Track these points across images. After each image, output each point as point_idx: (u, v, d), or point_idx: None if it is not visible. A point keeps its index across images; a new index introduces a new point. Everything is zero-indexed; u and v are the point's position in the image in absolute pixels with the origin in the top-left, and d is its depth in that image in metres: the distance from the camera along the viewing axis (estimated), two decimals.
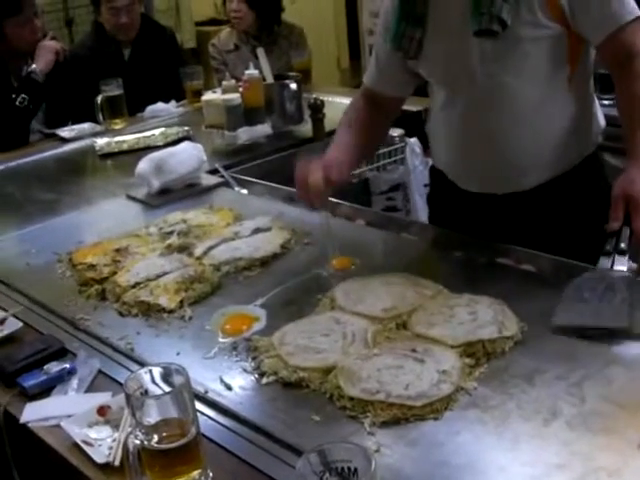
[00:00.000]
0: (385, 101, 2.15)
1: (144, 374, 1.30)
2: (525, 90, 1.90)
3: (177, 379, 1.29)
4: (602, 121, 2.10)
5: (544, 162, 1.97)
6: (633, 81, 1.84)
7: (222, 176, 2.79)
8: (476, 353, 1.54)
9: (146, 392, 1.28)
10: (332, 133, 3.07)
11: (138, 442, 1.25)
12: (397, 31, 1.98)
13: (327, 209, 2.02)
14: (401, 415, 1.39)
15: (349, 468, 1.06)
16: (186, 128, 3.40)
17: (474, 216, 2.09)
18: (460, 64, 1.94)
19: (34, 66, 3.79)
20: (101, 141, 3.37)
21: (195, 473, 1.29)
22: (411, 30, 1.96)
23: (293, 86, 3.30)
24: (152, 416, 1.25)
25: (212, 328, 1.76)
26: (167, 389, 1.29)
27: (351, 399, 1.43)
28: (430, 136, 2.19)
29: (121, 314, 1.89)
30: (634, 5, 1.83)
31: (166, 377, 1.30)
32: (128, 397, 1.26)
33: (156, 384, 1.30)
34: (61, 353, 1.73)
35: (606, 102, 3.19)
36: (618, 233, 1.74)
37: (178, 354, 1.68)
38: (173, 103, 3.95)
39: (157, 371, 1.31)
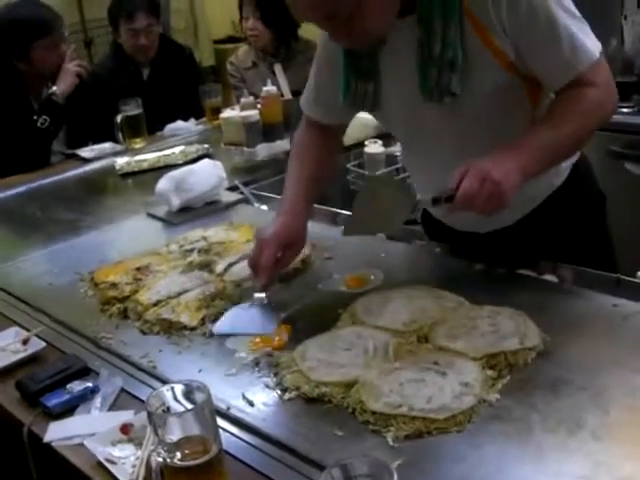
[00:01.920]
0: (328, 127, 2.09)
1: (166, 392, 1.31)
2: (486, 136, 1.80)
3: (199, 396, 1.29)
4: None
5: (521, 198, 1.81)
6: (578, 96, 1.71)
7: (242, 193, 2.80)
8: (498, 365, 1.53)
9: (168, 409, 1.29)
10: (351, 148, 3.12)
11: (161, 460, 1.25)
12: (348, 87, 1.90)
13: (270, 290, 1.93)
14: (424, 428, 1.38)
15: None
16: (206, 146, 3.42)
17: (463, 247, 2.09)
18: (416, 121, 1.89)
19: (55, 88, 3.82)
20: (121, 160, 3.40)
21: None
22: (362, 85, 1.88)
23: None
24: (174, 433, 1.26)
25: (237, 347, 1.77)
26: (189, 406, 1.29)
27: (373, 413, 1.42)
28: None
29: (143, 332, 1.89)
30: (590, 46, 1.70)
31: (188, 394, 1.31)
32: (150, 415, 1.26)
33: (178, 401, 1.31)
34: (84, 372, 1.73)
35: (625, 110, 3.21)
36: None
37: (200, 371, 1.68)
38: (192, 121, 3.97)
39: (179, 388, 1.32)
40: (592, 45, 1.70)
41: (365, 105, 1.92)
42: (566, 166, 1.99)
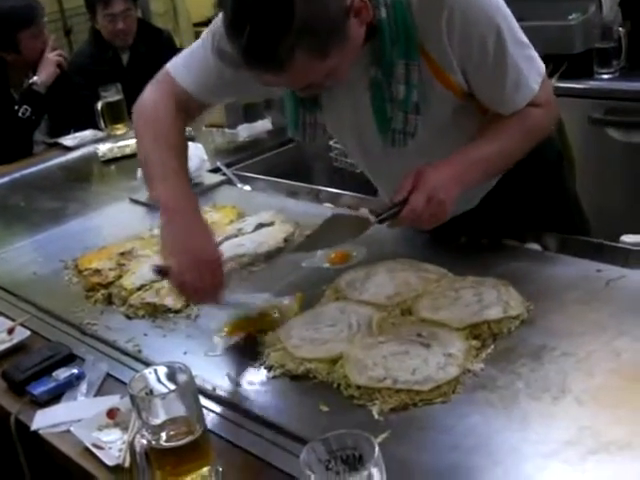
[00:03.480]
0: (197, 105, 1.98)
1: (148, 374, 1.30)
2: (444, 150, 1.73)
3: (181, 377, 1.29)
4: None
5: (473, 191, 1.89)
6: (521, 114, 1.73)
7: (224, 174, 2.79)
8: (482, 334, 1.54)
9: (151, 392, 1.28)
10: None
11: (145, 442, 1.25)
12: (296, 119, 1.84)
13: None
14: (409, 401, 1.39)
15: (354, 455, 1.06)
16: (187, 128, 3.39)
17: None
18: (367, 151, 1.89)
19: (35, 78, 3.80)
20: (103, 147, 3.38)
21: (205, 470, 1.29)
22: (310, 116, 1.83)
23: None
24: (158, 415, 1.25)
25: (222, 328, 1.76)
26: (172, 388, 1.29)
27: (358, 388, 1.43)
28: None
29: (128, 317, 1.89)
30: (532, 81, 1.71)
31: (170, 376, 1.30)
32: (133, 398, 1.26)
33: (161, 383, 1.30)
34: (69, 359, 1.73)
35: (605, 76, 3.21)
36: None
37: (185, 353, 1.68)
38: None
39: (161, 370, 1.31)
40: (534, 78, 1.72)
41: (316, 137, 1.86)
42: None
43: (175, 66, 1.97)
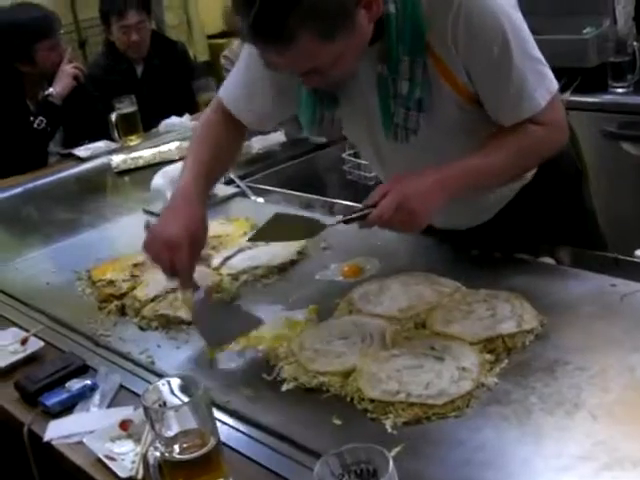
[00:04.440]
0: (242, 125, 2.00)
1: (162, 386, 1.30)
2: (443, 148, 1.76)
3: (194, 389, 1.28)
4: None
5: (495, 197, 1.94)
6: (519, 131, 1.71)
7: (238, 186, 2.80)
8: (496, 349, 1.53)
9: (164, 404, 1.28)
10: (346, 137, 3.10)
11: (158, 454, 1.25)
12: (313, 116, 1.86)
13: (195, 287, 1.76)
14: (422, 414, 1.38)
15: (368, 470, 1.06)
16: None
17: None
18: (378, 148, 1.91)
19: (51, 89, 3.83)
20: (117, 158, 3.39)
21: None
22: (328, 112, 1.85)
23: None
24: (171, 427, 1.25)
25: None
26: (186, 400, 1.29)
27: (372, 401, 1.42)
28: None
29: (141, 328, 1.89)
30: (539, 95, 1.68)
31: (184, 388, 1.30)
32: (146, 409, 1.26)
33: (174, 395, 1.30)
34: (82, 370, 1.73)
35: (619, 90, 3.21)
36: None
37: (199, 365, 1.68)
38: (187, 116, 3.96)
39: (175, 382, 1.31)
40: (541, 93, 1.69)
41: (333, 132, 1.92)
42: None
43: (226, 92, 2.00)
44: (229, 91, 1.98)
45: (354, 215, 1.66)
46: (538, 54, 1.70)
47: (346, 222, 1.68)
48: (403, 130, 1.74)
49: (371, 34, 1.62)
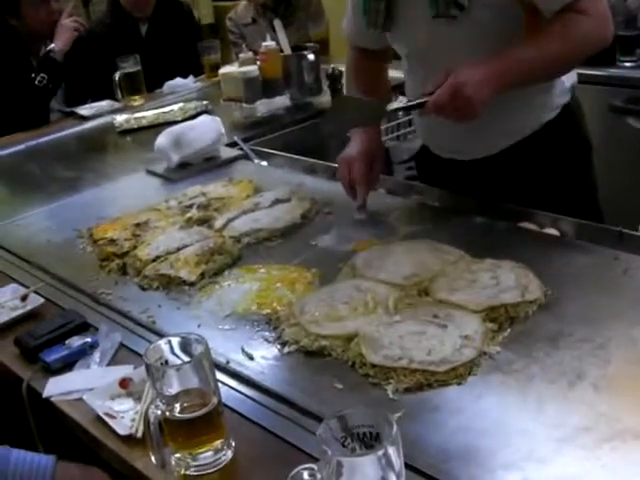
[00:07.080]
0: (369, 50, 2.18)
1: (163, 345, 1.30)
2: (490, 50, 1.79)
3: (196, 349, 1.28)
4: (571, 77, 2.06)
5: (507, 127, 1.97)
6: (567, 22, 1.75)
7: (241, 149, 2.78)
8: (499, 318, 1.52)
9: (166, 362, 1.28)
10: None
11: (159, 413, 1.24)
12: (365, 6, 1.98)
13: (366, 212, 2.06)
14: (424, 381, 1.38)
15: (371, 433, 1.05)
16: (204, 102, 3.40)
17: (451, 181, 2.15)
18: (417, 41, 1.95)
19: (52, 45, 3.79)
20: (120, 118, 3.38)
21: (218, 442, 1.28)
22: (375, 3, 1.95)
23: (311, 57, 3.26)
24: (173, 386, 1.25)
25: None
26: (187, 359, 1.28)
27: (373, 366, 1.42)
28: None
29: (142, 288, 1.88)
30: None
31: (185, 347, 1.29)
32: (148, 367, 1.25)
33: (176, 355, 1.29)
34: (83, 327, 1.73)
35: (627, 64, 3.18)
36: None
37: (199, 326, 1.67)
38: (191, 78, 3.94)
39: (176, 341, 1.30)
40: None
41: (377, 24, 1.97)
42: (557, 104, 2.01)
43: (343, 27, 2.22)
44: (344, 24, 2.20)
45: (413, 102, 1.76)
46: None
47: (406, 109, 1.82)
48: (443, 3, 1.79)
49: None
